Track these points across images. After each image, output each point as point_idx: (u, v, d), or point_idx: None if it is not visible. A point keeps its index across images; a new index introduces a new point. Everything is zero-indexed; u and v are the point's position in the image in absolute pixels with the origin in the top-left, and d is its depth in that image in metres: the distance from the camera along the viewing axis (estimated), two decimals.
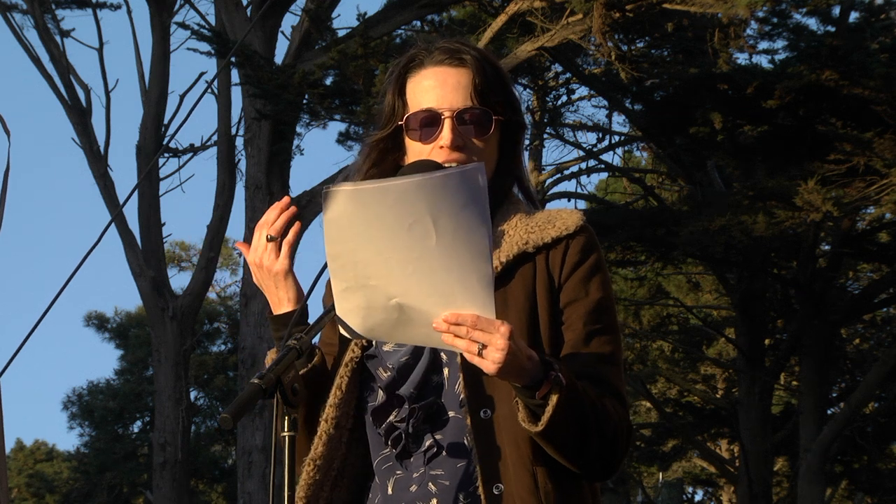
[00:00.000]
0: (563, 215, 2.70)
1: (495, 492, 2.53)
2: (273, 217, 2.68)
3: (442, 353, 2.63)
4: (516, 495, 2.53)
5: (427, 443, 2.61)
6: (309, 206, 15.51)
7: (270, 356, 2.71)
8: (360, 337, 2.49)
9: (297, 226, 2.69)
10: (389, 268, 2.36)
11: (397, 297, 2.38)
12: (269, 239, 2.67)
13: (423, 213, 2.31)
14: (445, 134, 2.67)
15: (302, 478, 2.66)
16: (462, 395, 2.59)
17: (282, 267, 2.68)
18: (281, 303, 2.72)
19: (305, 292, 2.71)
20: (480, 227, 2.33)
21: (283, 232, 2.69)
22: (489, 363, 2.37)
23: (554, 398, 2.44)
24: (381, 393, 2.66)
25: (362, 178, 2.76)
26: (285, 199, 2.69)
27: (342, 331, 2.46)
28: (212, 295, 30.55)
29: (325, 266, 2.59)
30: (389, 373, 2.65)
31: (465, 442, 2.59)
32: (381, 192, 2.33)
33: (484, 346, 2.36)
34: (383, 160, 2.77)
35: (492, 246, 2.35)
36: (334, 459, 2.68)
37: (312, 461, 2.65)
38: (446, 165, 2.65)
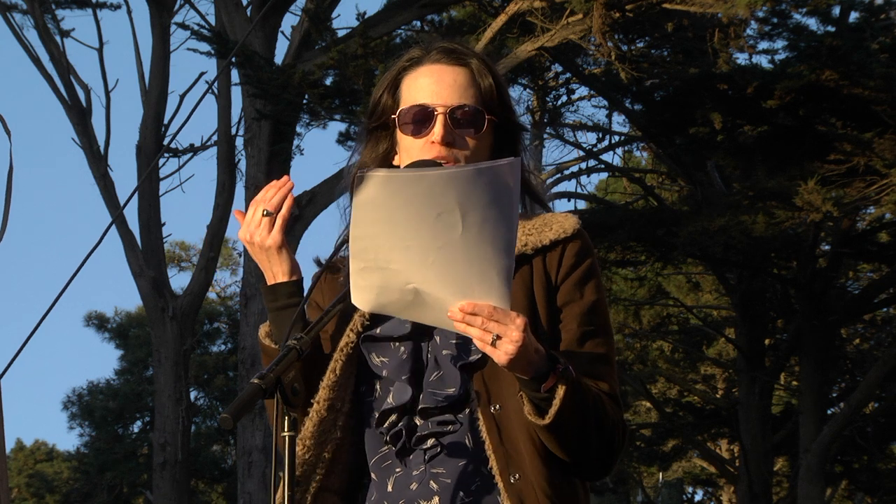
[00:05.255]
0: (559, 219, 2.75)
1: (512, 480, 2.57)
2: (271, 195, 2.70)
3: (436, 356, 2.64)
4: (534, 483, 2.56)
5: (429, 442, 2.63)
6: (309, 206, 15.51)
7: (264, 330, 2.74)
8: (370, 310, 2.50)
9: (290, 200, 2.70)
10: (410, 254, 2.38)
11: (415, 283, 2.41)
12: (266, 214, 2.69)
13: (453, 205, 2.34)
14: (437, 129, 2.70)
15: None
16: (453, 391, 2.61)
17: (274, 241, 2.70)
18: (275, 276, 2.73)
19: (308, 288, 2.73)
20: (508, 221, 2.36)
21: (279, 207, 2.70)
22: (501, 354, 2.41)
23: (561, 390, 2.47)
24: (377, 388, 2.69)
25: (357, 166, 2.79)
26: (284, 178, 2.71)
27: (353, 301, 2.47)
28: (212, 295, 30.57)
29: (329, 259, 2.61)
30: (383, 364, 2.67)
31: (467, 441, 2.61)
32: (414, 181, 2.36)
33: (498, 337, 2.39)
34: (376, 148, 2.80)
35: (515, 240, 2.39)
36: (327, 442, 2.68)
37: (302, 441, 2.66)
38: (441, 163, 2.68)
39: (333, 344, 2.72)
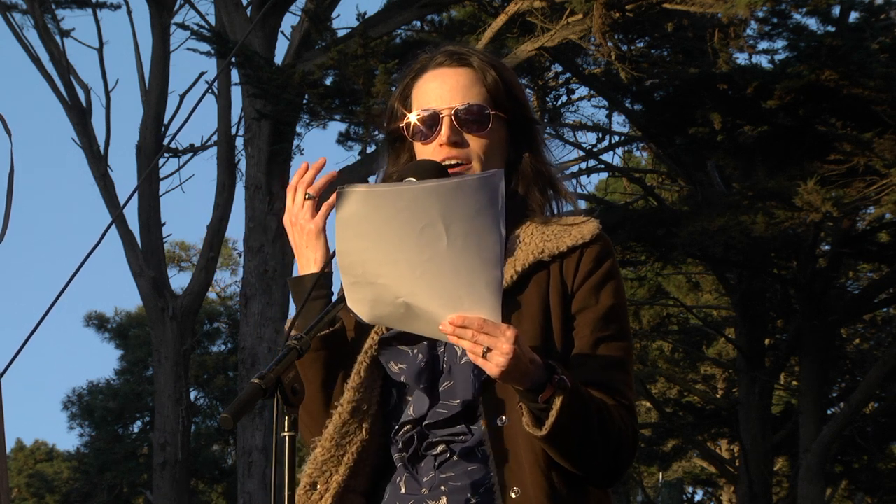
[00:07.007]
0: (578, 224, 2.74)
1: (513, 495, 2.56)
2: (311, 177, 2.70)
3: (451, 365, 2.64)
4: (534, 498, 2.55)
5: (439, 448, 2.64)
6: None
7: (290, 320, 2.74)
8: (368, 323, 2.51)
9: (331, 175, 2.70)
10: (398, 269, 2.38)
11: (404, 297, 2.40)
12: (308, 197, 2.68)
13: (436, 218, 2.33)
14: (443, 131, 2.71)
15: (310, 456, 2.69)
16: (458, 403, 2.62)
17: (314, 226, 2.70)
18: (308, 264, 2.72)
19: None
20: (493, 233, 2.35)
21: (320, 191, 2.70)
22: (493, 366, 2.40)
23: (558, 401, 2.46)
24: (394, 395, 2.70)
25: (383, 179, 2.81)
26: (321, 160, 2.71)
27: (354, 315, 2.47)
28: (212, 295, 30.55)
29: (327, 263, 2.62)
30: (401, 371, 2.67)
31: (477, 447, 2.62)
32: (395, 195, 2.35)
33: (489, 350, 2.38)
34: (398, 159, 2.82)
35: (503, 252, 2.37)
36: (351, 444, 2.68)
37: (321, 443, 2.67)
38: (445, 164, 2.68)
39: (358, 346, 2.72)
